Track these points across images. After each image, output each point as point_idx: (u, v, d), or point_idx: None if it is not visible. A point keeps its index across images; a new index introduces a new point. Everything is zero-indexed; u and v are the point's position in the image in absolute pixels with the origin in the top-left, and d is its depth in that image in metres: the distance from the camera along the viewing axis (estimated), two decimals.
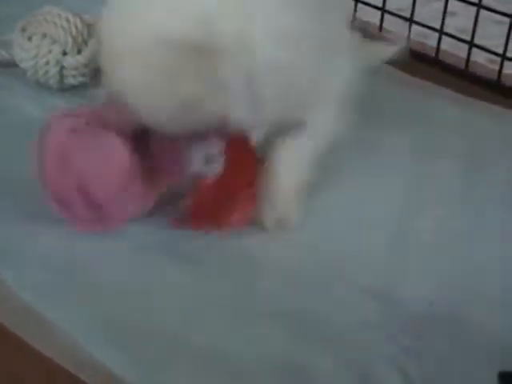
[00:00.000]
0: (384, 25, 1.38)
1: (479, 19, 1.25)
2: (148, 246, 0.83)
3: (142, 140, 0.79)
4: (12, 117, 1.02)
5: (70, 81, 1.06)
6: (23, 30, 1.06)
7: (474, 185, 0.98)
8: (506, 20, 1.22)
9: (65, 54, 1.05)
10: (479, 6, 1.25)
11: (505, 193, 0.96)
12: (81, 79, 1.06)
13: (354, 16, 1.39)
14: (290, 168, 0.85)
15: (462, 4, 1.29)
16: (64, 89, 1.07)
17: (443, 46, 1.31)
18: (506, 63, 1.24)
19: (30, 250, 0.82)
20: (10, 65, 1.09)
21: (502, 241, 0.89)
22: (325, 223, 0.89)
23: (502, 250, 0.87)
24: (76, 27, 1.04)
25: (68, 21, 1.04)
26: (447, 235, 0.89)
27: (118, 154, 0.78)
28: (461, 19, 1.38)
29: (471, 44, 1.26)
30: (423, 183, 0.97)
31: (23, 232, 0.84)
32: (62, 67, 1.05)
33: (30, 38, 1.05)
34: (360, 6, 1.40)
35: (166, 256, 0.82)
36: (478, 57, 1.29)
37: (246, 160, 0.82)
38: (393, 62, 1.19)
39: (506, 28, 1.22)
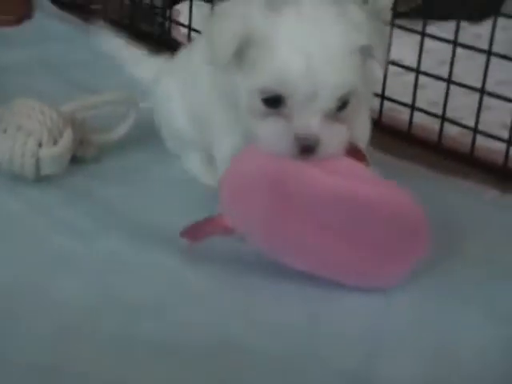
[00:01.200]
0: None
1: (450, 91, 1.27)
2: None
3: None
4: None
5: (46, 171, 1.06)
6: None
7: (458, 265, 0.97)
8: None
9: (40, 145, 1.04)
10: (449, 81, 1.27)
11: (482, 273, 0.96)
12: (57, 169, 1.06)
13: None
14: None
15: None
16: (39, 179, 1.06)
17: (415, 120, 1.32)
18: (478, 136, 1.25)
19: None
20: None
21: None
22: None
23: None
24: (51, 118, 1.05)
25: (43, 113, 1.04)
26: (423, 313, 0.89)
27: None
28: (432, 92, 1.39)
29: (443, 118, 1.28)
30: None
31: None
32: (38, 159, 1.04)
33: (4, 130, 1.04)
34: None
35: None
36: (451, 130, 1.30)
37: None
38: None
39: (476, 98, 1.24)
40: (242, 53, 0.84)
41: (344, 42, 0.83)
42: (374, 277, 0.88)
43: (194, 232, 0.91)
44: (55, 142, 1.05)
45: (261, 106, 0.84)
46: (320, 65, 0.81)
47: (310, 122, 0.82)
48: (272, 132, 0.84)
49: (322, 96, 0.82)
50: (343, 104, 0.84)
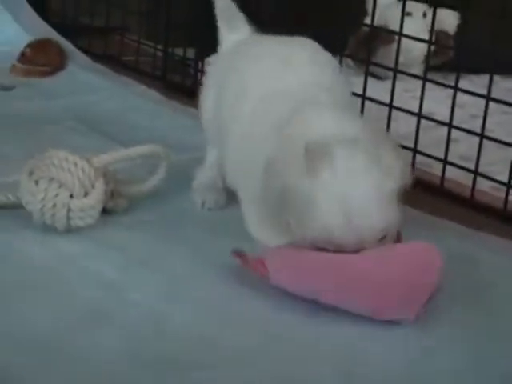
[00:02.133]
0: None
1: (482, 145, 1.26)
2: None
3: None
4: (18, 261, 1.01)
5: (77, 223, 1.05)
6: (30, 173, 1.06)
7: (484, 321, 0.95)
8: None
9: (72, 197, 1.04)
10: (482, 135, 1.26)
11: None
12: (87, 221, 1.06)
13: None
14: None
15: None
16: (70, 230, 1.06)
17: (447, 174, 1.31)
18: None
19: None
20: (15, 207, 1.09)
21: None
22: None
23: None
24: (83, 170, 1.05)
25: (75, 164, 1.05)
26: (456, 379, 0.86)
27: None
28: (464, 146, 1.38)
29: (476, 173, 1.27)
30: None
31: None
32: (69, 210, 1.04)
33: (36, 182, 1.05)
34: None
35: None
36: (483, 184, 1.29)
37: None
38: None
39: (509, 153, 1.23)
40: (290, 205, 0.92)
41: (379, 190, 0.91)
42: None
43: (243, 259, 0.95)
44: (86, 194, 1.05)
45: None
46: (359, 217, 0.89)
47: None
48: None
49: (365, 240, 0.90)
50: (383, 237, 0.92)
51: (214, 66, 1.20)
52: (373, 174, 0.91)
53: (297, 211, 0.92)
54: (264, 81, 1.05)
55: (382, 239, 0.92)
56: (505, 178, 1.24)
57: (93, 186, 1.06)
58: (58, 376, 0.82)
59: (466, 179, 1.30)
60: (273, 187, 0.93)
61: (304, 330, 0.91)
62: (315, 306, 0.92)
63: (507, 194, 1.24)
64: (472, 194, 1.27)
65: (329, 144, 0.91)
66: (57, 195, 1.04)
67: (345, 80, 1.12)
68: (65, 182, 1.04)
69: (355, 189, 0.90)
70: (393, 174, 0.92)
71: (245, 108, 1.05)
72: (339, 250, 0.90)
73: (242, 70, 1.10)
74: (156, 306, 0.93)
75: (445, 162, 1.31)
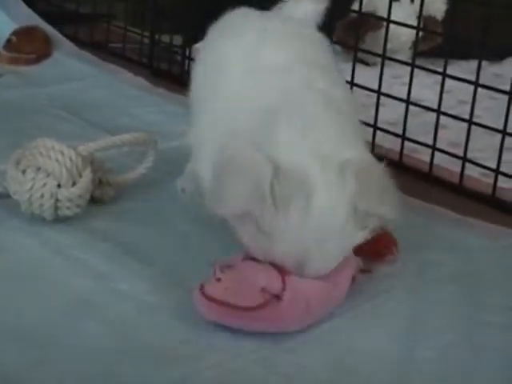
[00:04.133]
0: (376, 140, 1.38)
1: (471, 131, 1.26)
2: None
3: None
4: (5, 251, 1.00)
5: (65, 212, 1.05)
6: (17, 162, 1.05)
7: (471, 309, 0.95)
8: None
9: (59, 186, 1.04)
10: (470, 121, 1.26)
11: (502, 317, 0.94)
12: (75, 210, 1.05)
13: None
14: None
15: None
16: (58, 220, 1.06)
17: (435, 160, 1.31)
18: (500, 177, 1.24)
19: None
20: (2, 197, 1.08)
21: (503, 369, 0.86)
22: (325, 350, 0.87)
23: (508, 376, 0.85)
24: (70, 159, 1.04)
25: (62, 153, 1.04)
26: (448, 365, 0.86)
27: None
28: (452, 132, 1.38)
29: (464, 159, 1.27)
30: (422, 309, 0.95)
31: None
32: (57, 200, 1.04)
33: (24, 171, 1.04)
34: None
35: None
36: (472, 170, 1.29)
37: None
38: None
39: (497, 139, 1.23)
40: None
41: (340, 220, 0.83)
42: None
43: None
44: (74, 183, 1.04)
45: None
46: (312, 268, 0.84)
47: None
48: None
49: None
50: None
51: (203, 42, 1.14)
52: (344, 224, 0.83)
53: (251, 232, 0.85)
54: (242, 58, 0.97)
55: None
56: (493, 164, 1.24)
57: (80, 175, 1.05)
58: (45, 365, 0.81)
59: (454, 165, 1.30)
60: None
61: None
62: None
63: (496, 180, 1.24)
64: (460, 181, 1.27)
65: (303, 170, 0.82)
66: (44, 185, 1.03)
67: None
68: (52, 171, 1.03)
69: (318, 242, 0.83)
70: (368, 225, 0.85)
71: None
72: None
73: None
74: (144, 297, 0.93)
75: (433, 148, 1.31)
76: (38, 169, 1.03)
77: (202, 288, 0.87)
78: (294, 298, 0.85)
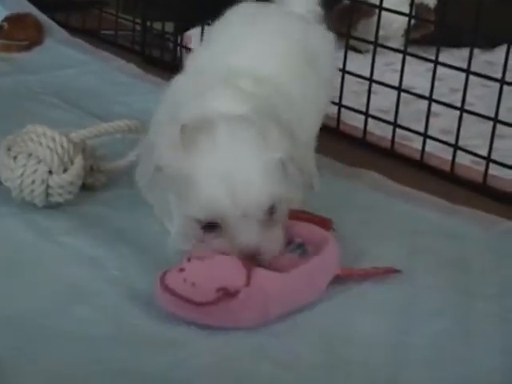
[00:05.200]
0: (368, 127, 1.39)
1: (462, 119, 1.26)
2: None
3: None
4: None
5: (57, 199, 1.05)
6: (8, 149, 1.05)
7: (463, 297, 0.96)
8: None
9: (51, 173, 1.04)
10: (462, 109, 1.26)
11: (495, 305, 0.94)
12: (66, 197, 1.05)
13: (338, 120, 1.41)
14: None
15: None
16: (49, 206, 1.06)
17: (427, 148, 1.31)
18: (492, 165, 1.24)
19: None
20: None
21: (501, 353, 0.87)
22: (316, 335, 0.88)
23: (501, 362, 0.85)
24: (62, 146, 1.04)
25: (54, 140, 1.04)
26: (441, 351, 0.87)
27: None
28: (444, 120, 1.38)
29: (456, 147, 1.27)
30: (414, 296, 0.96)
31: None
32: (48, 186, 1.03)
33: (15, 158, 1.04)
34: (343, 110, 1.41)
35: None
36: (463, 158, 1.29)
37: None
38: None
39: (489, 127, 1.23)
40: (172, 185, 0.90)
41: (259, 161, 0.88)
42: None
43: None
44: (65, 170, 1.04)
45: (200, 233, 0.89)
46: (242, 188, 0.86)
47: (250, 234, 0.88)
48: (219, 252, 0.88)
49: (251, 213, 0.87)
50: (272, 211, 0.89)
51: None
52: (255, 147, 0.88)
53: (178, 192, 0.90)
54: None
55: (272, 213, 0.89)
56: (484, 152, 1.24)
57: (72, 162, 1.05)
58: (41, 353, 0.81)
59: (446, 153, 1.30)
60: (148, 170, 0.92)
61: None
62: None
63: (487, 168, 1.24)
64: (452, 168, 1.28)
65: (208, 120, 0.89)
66: (35, 171, 1.03)
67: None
68: (43, 157, 1.03)
69: (236, 162, 0.87)
70: (278, 147, 0.89)
71: None
72: (228, 229, 0.87)
73: None
74: (136, 283, 0.93)
75: (425, 135, 1.31)
76: (30, 155, 1.03)
77: (162, 276, 0.86)
78: (249, 297, 0.85)
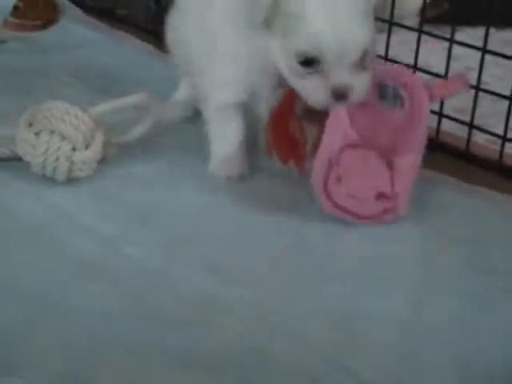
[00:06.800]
0: None
1: (478, 98, 1.26)
2: None
3: None
4: (12, 215, 1.02)
5: (77, 173, 1.06)
6: (29, 124, 1.05)
7: (479, 275, 0.97)
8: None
9: (74, 149, 1.05)
10: (477, 88, 1.26)
11: (510, 281, 0.95)
12: (88, 172, 1.07)
13: None
14: None
15: None
16: (68, 181, 1.07)
17: (442, 127, 1.32)
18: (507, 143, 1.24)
19: None
20: (10, 159, 1.09)
21: None
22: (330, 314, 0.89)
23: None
24: (84, 123, 1.05)
25: (77, 117, 1.05)
26: (455, 327, 0.88)
27: None
28: (459, 99, 1.38)
29: (471, 126, 1.27)
30: (430, 273, 0.97)
31: None
32: (72, 162, 1.04)
33: (37, 134, 1.05)
34: None
35: None
36: (478, 137, 1.29)
37: None
38: None
39: (504, 105, 1.23)
40: (275, 22, 1.00)
41: (361, 6, 1.00)
42: None
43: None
44: (87, 146, 1.05)
45: (299, 68, 1.00)
46: (344, 28, 0.98)
47: (343, 75, 0.99)
48: (313, 87, 1.00)
49: (349, 53, 0.98)
50: (364, 55, 1.00)
51: None
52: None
53: (286, 25, 0.99)
54: None
55: (364, 57, 1.00)
56: (500, 131, 1.24)
57: (93, 138, 1.06)
58: (53, 328, 0.83)
59: (461, 132, 1.30)
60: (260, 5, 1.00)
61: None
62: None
63: (502, 147, 1.24)
64: (467, 147, 1.28)
65: None
66: (59, 148, 1.04)
67: None
68: (67, 135, 1.04)
69: (341, 3, 0.98)
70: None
71: None
72: (324, 67, 0.98)
73: None
74: (149, 260, 0.94)
75: (440, 114, 1.31)
76: (52, 132, 1.04)
77: (325, 182, 1.00)
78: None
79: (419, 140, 1.05)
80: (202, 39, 1.10)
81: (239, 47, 1.05)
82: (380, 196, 1.00)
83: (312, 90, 1.00)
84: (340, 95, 0.99)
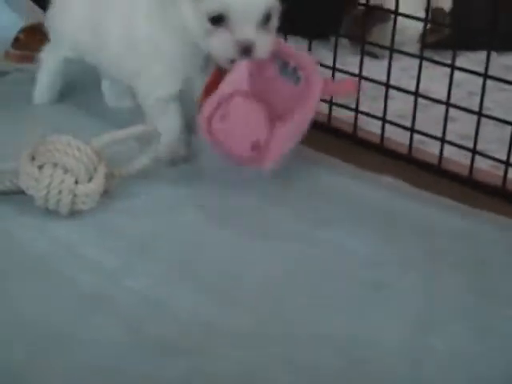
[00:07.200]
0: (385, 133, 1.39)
1: (480, 123, 1.26)
2: None
3: None
4: (16, 249, 1.02)
5: (80, 206, 1.06)
6: (32, 158, 1.06)
7: (483, 299, 0.96)
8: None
9: (77, 182, 1.04)
10: (480, 114, 1.26)
11: None
12: (91, 204, 1.06)
13: (355, 126, 1.41)
14: None
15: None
16: (71, 214, 1.07)
17: (445, 153, 1.31)
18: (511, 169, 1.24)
19: None
20: (13, 193, 1.09)
21: None
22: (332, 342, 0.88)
23: None
24: (87, 155, 1.05)
25: (79, 149, 1.05)
26: (458, 352, 0.87)
27: None
28: (461, 125, 1.38)
29: (474, 151, 1.27)
30: (430, 298, 0.97)
31: None
32: (75, 195, 1.04)
33: (40, 167, 1.05)
34: (360, 116, 1.41)
35: None
36: (481, 163, 1.29)
37: None
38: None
39: (506, 130, 1.23)
40: None
41: None
42: None
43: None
44: (90, 178, 1.05)
45: (208, 25, 1.11)
46: None
47: (247, 31, 1.10)
48: (220, 42, 1.11)
49: (253, 11, 1.10)
50: (267, 18, 1.12)
51: None
52: None
53: None
54: None
55: (267, 20, 1.12)
56: (503, 156, 1.24)
57: (95, 170, 1.06)
58: (58, 361, 0.83)
59: (464, 158, 1.30)
60: None
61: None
62: None
63: (506, 172, 1.24)
64: (470, 173, 1.27)
65: None
66: (62, 181, 1.04)
67: None
68: (70, 168, 1.04)
69: None
70: None
71: None
72: (231, 24, 1.10)
73: None
74: (152, 292, 0.94)
75: (442, 140, 1.31)
76: (55, 165, 1.04)
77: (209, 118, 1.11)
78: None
79: (303, 116, 1.15)
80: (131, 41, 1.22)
81: (168, 42, 1.18)
82: (254, 144, 1.11)
83: (219, 45, 1.11)
84: (244, 49, 1.10)
